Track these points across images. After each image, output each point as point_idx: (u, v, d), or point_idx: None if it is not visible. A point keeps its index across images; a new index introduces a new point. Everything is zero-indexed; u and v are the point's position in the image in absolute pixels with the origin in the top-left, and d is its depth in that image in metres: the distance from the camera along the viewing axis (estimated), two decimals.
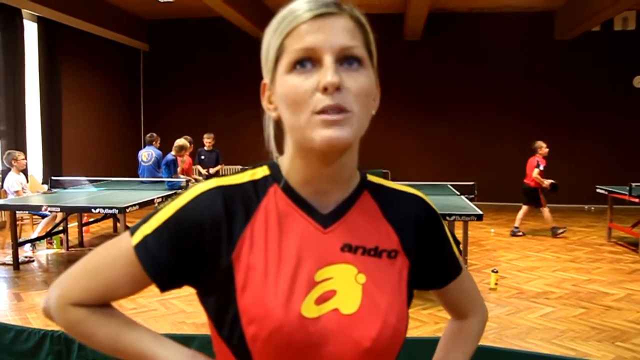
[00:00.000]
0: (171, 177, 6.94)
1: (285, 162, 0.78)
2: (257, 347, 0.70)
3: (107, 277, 0.75)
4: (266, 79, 0.76)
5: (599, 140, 9.79)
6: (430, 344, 1.01)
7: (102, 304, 0.78)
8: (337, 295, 0.72)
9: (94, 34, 9.10)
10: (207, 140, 8.18)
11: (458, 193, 6.12)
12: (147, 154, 7.39)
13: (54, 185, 6.54)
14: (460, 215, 4.53)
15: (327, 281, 0.73)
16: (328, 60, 0.68)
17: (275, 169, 0.79)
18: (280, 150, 0.80)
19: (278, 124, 0.77)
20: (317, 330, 0.70)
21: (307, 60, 0.69)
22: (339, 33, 0.69)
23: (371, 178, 0.83)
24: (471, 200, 5.67)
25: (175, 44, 10.95)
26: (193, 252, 0.73)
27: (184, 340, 1.62)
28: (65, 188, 6.64)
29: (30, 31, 7.97)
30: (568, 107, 9.92)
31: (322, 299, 0.72)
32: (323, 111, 0.67)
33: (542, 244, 6.61)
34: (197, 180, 7.53)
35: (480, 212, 4.59)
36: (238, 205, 0.75)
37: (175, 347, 0.77)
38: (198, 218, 0.73)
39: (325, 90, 0.67)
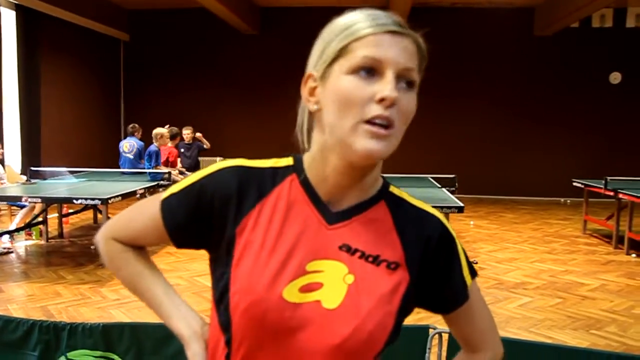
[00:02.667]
0: (153, 168, 6.90)
1: (310, 158, 0.82)
2: (236, 317, 0.76)
3: (138, 225, 0.88)
4: (315, 72, 0.77)
5: (576, 135, 10.00)
6: (421, 332, 1.03)
7: (135, 246, 0.90)
8: (322, 289, 0.76)
9: (73, 23, 8.94)
10: (186, 133, 8.14)
11: (439, 185, 6.20)
12: (129, 145, 7.33)
13: (33, 175, 6.45)
14: (442, 207, 4.60)
15: (316, 273, 0.77)
16: (390, 75, 0.71)
17: (298, 162, 0.83)
18: (309, 143, 0.83)
19: (310, 117, 0.82)
20: (293, 315, 0.74)
21: (371, 69, 0.72)
22: (404, 53, 0.73)
23: (393, 190, 0.85)
24: (452, 192, 5.76)
25: (156, 34, 10.82)
26: (204, 218, 0.81)
27: None
28: (45, 179, 6.55)
29: (8, 19, 7.81)
30: (546, 102, 10.11)
31: (307, 288, 0.75)
32: (372, 120, 0.71)
33: (520, 236, 6.75)
34: (181, 172, 7.51)
35: (462, 205, 4.69)
36: (252, 186, 0.81)
37: (179, 304, 0.87)
38: (214, 189, 0.81)
39: (381, 101, 0.71)
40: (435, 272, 0.82)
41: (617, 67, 9.94)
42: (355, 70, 0.72)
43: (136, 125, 7.61)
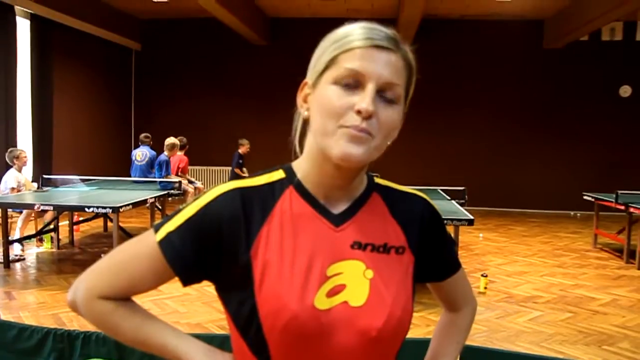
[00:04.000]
0: (163, 178, 6.94)
1: (302, 164, 0.84)
2: (273, 338, 0.76)
3: (132, 272, 0.81)
4: (309, 80, 0.81)
5: (586, 148, 9.96)
6: (422, 345, 1.07)
7: (126, 298, 0.83)
8: (346, 289, 0.78)
9: (86, 32, 9.06)
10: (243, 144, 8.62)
11: (449, 198, 6.19)
12: (142, 154, 7.39)
13: (45, 183, 6.51)
14: (452, 220, 4.60)
15: (337, 276, 0.79)
16: (370, 88, 0.74)
17: (289, 172, 0.85)
18: (301, 148, 0.86)
19: (304, 123, 0.84)
20: (328, 320, 0.76)
21: (353, 81, 0.75)
22: (388, 68, 0.76)
23: (379, 180, 0.90)
24: (461, 205, 5.75)
25: (167, 43, 10.92)
26: (213, 248, 0.79)
27: None
28: (56, 186, 6.61)
29: (23, 28, 7.92)
30: (556, 115, 10.08)
31: (332, 292, 0.77)
32: (350, 126, 0.74)
33: (530, 249, 6.72)
34: (190, 182, 7.55)
35: (471, 217, 4.67)
36: (256, 205, 0.80)
37: (195, 342, 0.83)
38: (218, 217, 0.79)
39: (359, 112, 0.74)
40: (431, 247, 0.89)
41: (627, 80, 9.90)
42: (338, 81, 0.75)
43: (149, 135, 7.68)
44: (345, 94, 0.75)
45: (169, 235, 0.79)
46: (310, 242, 0.80)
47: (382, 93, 0.76)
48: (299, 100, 0.83)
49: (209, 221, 0.79)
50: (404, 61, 0.79)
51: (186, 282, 0.81)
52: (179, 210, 0.82)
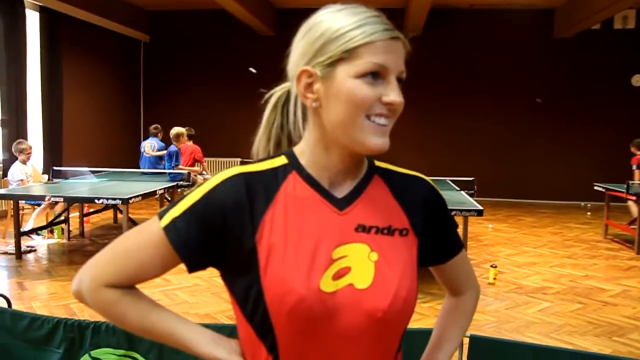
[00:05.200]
0: (173, 168, 6.97)
1: (304, 150, 0.84)
2: (279, 322, 0.76)
3: (138, 259, 0.81)
4: (314, 69, 0.79)
5: (597, 138, 9.86)
6: (430, 335, 1.07)
7: (131, 286, 0.83)
8: (351, 272, 0.79)
9: (95, 24, 9.08)
10: None
11: (458, 188, 6.17)
12: (150, 145, 7.43)
13: (56, 175, 6.56)
14: (461, 210, 4.58)
15: (342, 259, 0.79)
16: (394, 80, 0.78)
17: (292, 158, 0.85)
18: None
19: (304, 111, 0.85)
20: (334, 303, 0.77)
21: (377, 74, 0.77)
22: (401, 57, 0.80)
23: (379, 163, 0.91)
24: (471, 195, 5.72)
25: (176, 35, 10.92)
26: (218, 234, 0.79)
27: None
28: (66, 178, 6.66)
29: (32, 20, 7.95)
30: (567, 105, 9.97)
31: (338, 275, 0.78)
32: (377, 116, 0.78)
33: (540, 240, 6.68)
34: (200, 173, 7.57)
35: (481, 208, 4.65)
36: (259, 190, 0.81)
37: (201, 330, 0.83)
38: (223, 202, 0.79)
39: (388, 104, 0.78)
40: (434, 229, 0.90)
41: (639, 69, 9.77)
42: (363, 75, 0.76)
43: (159, 126, 7.70)
44: (371, 87, 0.77)
45: (174, 221, 0.79)
46: (314, 225, 0.80)
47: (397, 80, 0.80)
48: (300, 90, 0.81)
49: (213, 206, 0.79)
50: (405, 49, 0.81)
51: (192, 268, 0.81)
52: (184, 197, 0.82)
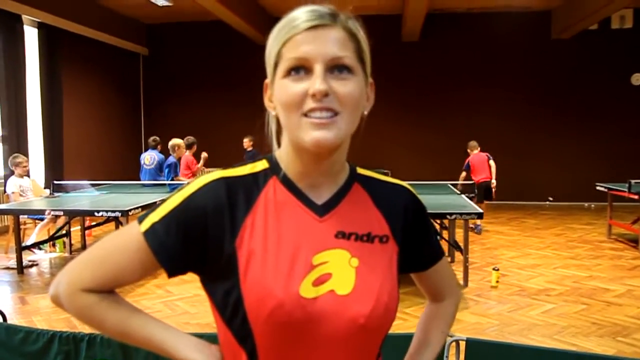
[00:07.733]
0: (173, 180, 6.98)
1: (283, 156, 0.84)
2: (259, 327, 0.75)
3: (116, 263, 0.79)
4: (268, 80, 0.82)
5: (598, 138, 9.83)
6: (411, 339, 1.06)
7: (109, 290, 0.82)
8: (332, 278, 0.78)
9: (93, 39, 9.14)
10: (246, 142, 8.75)
11: (458, 192, 6.15)
12: (150, 157, 7.43)
13: (56, 189, 6.57)
14: (461, 214, 4.56)
15: (323, 265, 0.78)
16: (318, 69, 0.74)
17: (273, 162, 0.84)
18: (279, 144, 0.86)
19: (278, 120, 0.83)
20: (314, 309, 0.76)
21: (301, 68, 0.75)
22: (330, 44, 0.75)
23: (361, 170, 0.90)
24: (471, 199, 5.70)
25: (174, 47, 10.99)
26: (198, 238, 0.78)
27: None
28: (67, 192, 6.67)
29: (31, 37, 8.01)
30: (567, 106, 9.96)
31: (319, 281, 0.77)
32: (311, 111, 0.74)
33: (543, 242, 6.64)
34: None
35: (481, 211, 4.63)
36: (240, 195, 0.80)
37: (181, 335, 0.82)
38: (203, 206, 0.78)
39: (313, 96, 0.74)
40: (416, 236, 0.89)
41: (638, 68, 9.75)
42: (287, 73, 0.76)
43: (157, 138, 7.71)
44: (297, 84, 0.75)
45: (154, 225, 0.78)
46: (294, 231, 0.79)
47: (333, 69, 0.75)
48: (266, 102, 0.84)
49: (193, 211, 0.78)
50: (346, 32, 0.77)
51: (171, 272, 0.80)
52: (164, 201, 0.81)
